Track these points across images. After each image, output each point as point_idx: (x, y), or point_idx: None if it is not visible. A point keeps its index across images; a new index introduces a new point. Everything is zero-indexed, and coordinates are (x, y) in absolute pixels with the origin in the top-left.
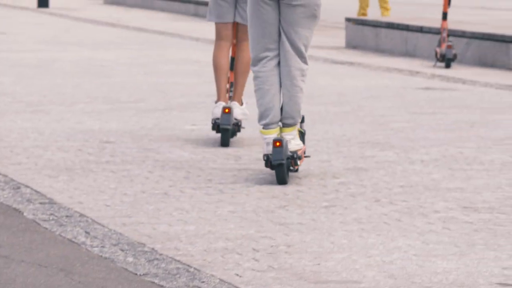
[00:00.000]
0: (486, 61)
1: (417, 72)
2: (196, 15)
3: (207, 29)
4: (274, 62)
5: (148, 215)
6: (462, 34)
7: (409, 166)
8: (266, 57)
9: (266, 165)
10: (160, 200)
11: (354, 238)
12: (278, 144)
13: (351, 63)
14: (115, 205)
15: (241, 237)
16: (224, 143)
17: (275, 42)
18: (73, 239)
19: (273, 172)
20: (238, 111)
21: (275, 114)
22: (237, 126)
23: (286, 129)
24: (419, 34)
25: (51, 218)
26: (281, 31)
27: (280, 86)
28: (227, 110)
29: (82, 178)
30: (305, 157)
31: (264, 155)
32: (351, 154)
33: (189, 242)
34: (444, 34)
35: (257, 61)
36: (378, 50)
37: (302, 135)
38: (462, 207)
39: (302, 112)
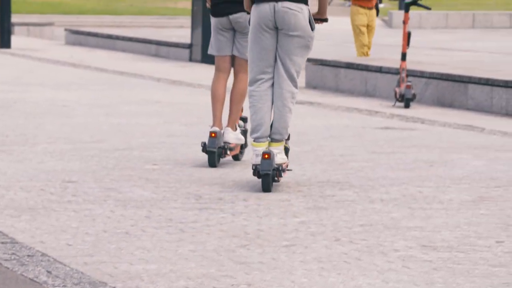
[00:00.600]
0: (445, 101)
1: (377, 112)
2: (157, 55)
3: (168, 69)
4: (268, 84)
5: (109, 254)
6: (421, 75)
7: (368, 205)
8: (261, 79)
9: (254, 174)
10: (121, 239)
11: (314, 277)
12: (266, 156)
13: (311, 103)
14: (77, 244)
15: (202, 276)
16: (211, 164)
17: (271, 67)
18: (35, 279)
19: (233, 206)
20: (231, 136)
21: (265, 129)
22: (224, 149)
23: (274, 144)
24: (378, 74)
25: (12, 257)
26: (277, 57)
27: (272, 105)
28: (213, 135)
29: (44, 218)
30: (288, 170)
31: (253, 165)
32: (311, 193)
33: (150, 281)
34: (403, 74)
35: (253, 81)
36: (338, 90)
37: (286, 150)
38: (421, 246)
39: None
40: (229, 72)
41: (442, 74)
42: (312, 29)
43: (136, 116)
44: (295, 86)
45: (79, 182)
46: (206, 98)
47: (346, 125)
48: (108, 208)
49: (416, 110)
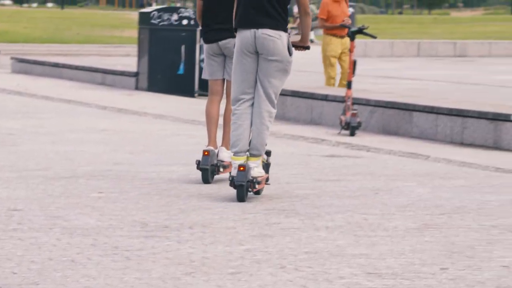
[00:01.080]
0: (390, 129)
1: (322, 140)
2: (103, 83)
3: (114, 98)
4: (248, 103)
5: (55, 282)
6: (366, 103)
7: (314, 233)
8: (243, 99)
9: (230, 185)
10: (67, 267)
11: None
12: (242, 168)
13: None
14: (22, 272)
15: None
16: (204, 180)
17: (251, 88)
18: None
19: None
20: (225, 155)
21: (243, 145)
22: (217, 167)
23: (252, 158)
24: (324, 102)
25: None
26: (258, 79)
27: (251, 123)
28: (206, 153)
29: None
30: (266, 184)
31: (230, 176)
32: (257, 221)
33: None
34: (349, 103)
35: (236, 101)
36: (284, 118)
37: (267, 166)
38: (367, 273)
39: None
40: (221, 95)
41: (387, 102)
42: (290, 54)
43: (82, 144)
44: (273, 106)
45: (25, 210)
46: (152, 127)
47: (291, 153)
48: (54, 236)
49: (361, 138)
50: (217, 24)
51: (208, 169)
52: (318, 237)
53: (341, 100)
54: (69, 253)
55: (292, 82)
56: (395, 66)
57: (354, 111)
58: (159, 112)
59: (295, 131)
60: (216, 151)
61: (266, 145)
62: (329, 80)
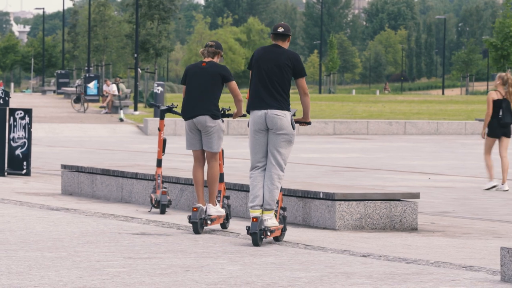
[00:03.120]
0: None
1: (133, 218)
2: None
3: None
4: (261, 169)
5: None
6: (176, 181)
7: None
8: (257, 166)
9: (247, 233)
10: None
11: None
12: (254, 220)
13: (67, 209)
14: None
15: None
16: (195, 231)
17: (264, 157)
18: None
19: None
20: (212, 210)
21: (259, 201)
22: (205, 220)
23: (266, 212)
24: (134, 181)
25: None
26: (268, 150)
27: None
28: (195, 209)
29: None
30: (283, 232)
31: (247, 226)
32: None
33: None
34: (159, 181)
35: (252, 168)
36: (94, 196)
37: (284, 219)
38: None
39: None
40: (203, 161)
41: None
42: (293, 128)
43: None
44: (282, 170)
45: None
46: None
47: (102, 231)
48: None
49: (172, 216)
50: (193, 104)
51: (197, 222)
52: None
53: (151, 178)
54: None
55: (101, 160)
56: None
57: (164, 189)
58: None
59: (106, 209)
60: (205, 207)
61: (277, 201)
62: None
